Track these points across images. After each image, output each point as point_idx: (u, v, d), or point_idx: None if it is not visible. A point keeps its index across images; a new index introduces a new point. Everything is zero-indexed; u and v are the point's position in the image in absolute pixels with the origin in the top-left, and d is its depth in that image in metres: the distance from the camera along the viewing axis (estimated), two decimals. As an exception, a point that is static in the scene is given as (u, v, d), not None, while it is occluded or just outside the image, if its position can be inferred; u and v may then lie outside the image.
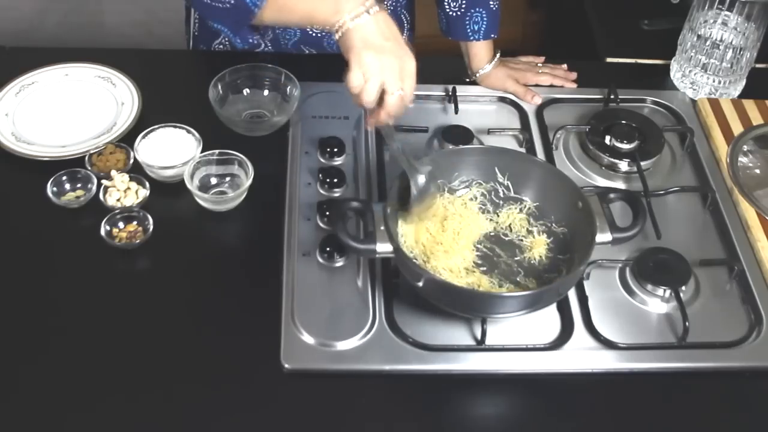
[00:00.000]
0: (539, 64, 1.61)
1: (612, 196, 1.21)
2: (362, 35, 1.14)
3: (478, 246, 1.22)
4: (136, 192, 1.31)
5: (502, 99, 1.55)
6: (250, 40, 1.29)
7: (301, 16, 1.20)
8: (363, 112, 1.22)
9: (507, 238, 1.23)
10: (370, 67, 1.13)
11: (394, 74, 1.14)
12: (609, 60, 1.73)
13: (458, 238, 1.21)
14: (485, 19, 1.51)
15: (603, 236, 1.15)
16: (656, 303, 1.23)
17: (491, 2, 1.51)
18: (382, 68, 1.13)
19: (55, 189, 1.30)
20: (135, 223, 1.27)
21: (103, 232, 1.25)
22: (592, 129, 1.45)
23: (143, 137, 1.36)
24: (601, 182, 1.41)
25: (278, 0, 1.19)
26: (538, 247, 1.23)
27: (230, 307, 1.20)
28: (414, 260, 1.14)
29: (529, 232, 1.25)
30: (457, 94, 1.50)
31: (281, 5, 1.20)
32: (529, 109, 1.52)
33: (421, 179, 1.17)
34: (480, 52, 1.54)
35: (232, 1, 1.20)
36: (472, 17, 1.51)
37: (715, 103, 1.53)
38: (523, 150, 1.44)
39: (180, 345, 1.16)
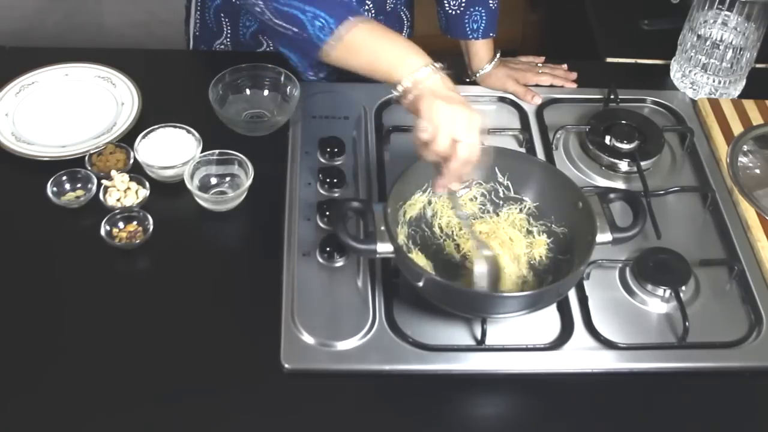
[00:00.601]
0: (539, 64, 1.61)
1: (612, 196, 1.21)
2: (429, 86, 1.12)
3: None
4: (136, 192, 1.31)
5: (502, 99, 1.54)
6: (311, 74, 1.27)
7: (367, 62, 1.17)
8: (433, 175, 1.16)
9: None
10: (441, 115, 1.09)
11: (464, 123, 1.10)
12: (609, 60, 1.73)
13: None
14: (484, 17, 1.51)
15: (603, 236, 1.15)
16: (656, 303, 1.23)
17: (490, 1, 1.51)
18: (453, 117, 1.10)
19: (55, 189, 1.30)
20: (135, 223, 1.27)
21: (103, 232, 1.25)
22: (592, 129, 1.45)
23: (143, 137, 1.36)
24: (601, 182, 1.41)
25: (345, 39, 1.16)
26: (538, 247, 1.23)
27: (230, 307, 1.20)
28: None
29: (529, 232, 1.25)
30: (457, 94, 1.50)
31: (347, 46, 1.17)
32: (529, 109, 1.52)
33: (480, 268, 1.15)
34: (480, 52, 1.54)
35: (295, 29, 1.17)
36: (471, 16, 1.51)
37: (715, 103, 1.53)
38: (523, 150, 1.44)
39: (180, 345, 1.16)
